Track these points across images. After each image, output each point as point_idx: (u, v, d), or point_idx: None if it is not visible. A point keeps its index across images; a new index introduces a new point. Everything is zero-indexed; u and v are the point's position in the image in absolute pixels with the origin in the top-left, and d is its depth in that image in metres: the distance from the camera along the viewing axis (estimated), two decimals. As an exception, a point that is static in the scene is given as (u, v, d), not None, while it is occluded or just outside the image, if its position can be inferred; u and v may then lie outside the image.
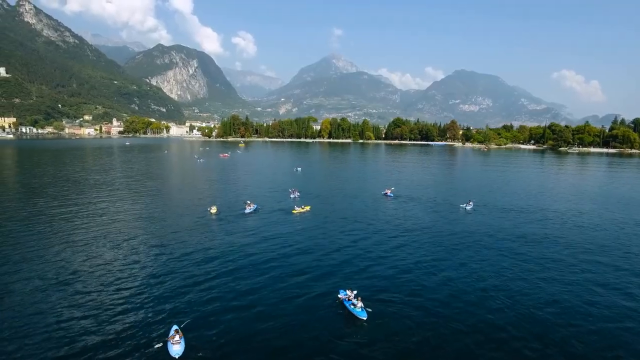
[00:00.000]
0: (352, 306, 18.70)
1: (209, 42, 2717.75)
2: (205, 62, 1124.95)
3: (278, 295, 20.49)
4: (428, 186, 61.22)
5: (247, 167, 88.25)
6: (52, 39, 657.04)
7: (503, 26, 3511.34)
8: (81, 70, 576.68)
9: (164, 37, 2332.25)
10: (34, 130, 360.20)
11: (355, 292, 19.24)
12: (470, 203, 44.42)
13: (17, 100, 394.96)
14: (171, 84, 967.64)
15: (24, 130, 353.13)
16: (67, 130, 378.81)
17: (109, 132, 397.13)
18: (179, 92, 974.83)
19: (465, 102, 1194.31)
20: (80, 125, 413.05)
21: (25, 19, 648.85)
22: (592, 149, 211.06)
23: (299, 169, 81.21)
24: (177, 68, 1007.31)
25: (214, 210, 39.52)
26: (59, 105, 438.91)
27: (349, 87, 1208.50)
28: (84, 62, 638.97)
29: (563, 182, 72.53)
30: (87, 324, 17.10)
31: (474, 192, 54.43)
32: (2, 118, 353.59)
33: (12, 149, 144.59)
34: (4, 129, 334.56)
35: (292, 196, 47.73)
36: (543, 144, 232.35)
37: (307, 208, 39.30)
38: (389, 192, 51.62)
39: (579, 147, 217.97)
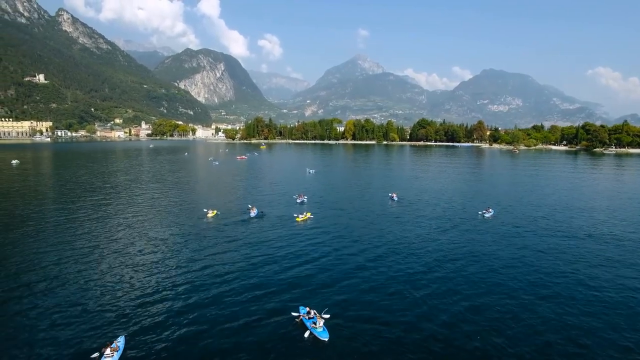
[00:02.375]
0: (312, 326, 16.56)
1: (236, 45, 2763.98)
2: (231, 65, 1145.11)
3: (228, 313, 18.46)
4: (446, 190, 57.35)
5: (261, 170, 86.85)
6: (87, 45, 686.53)
7: (533, 25, 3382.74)
8: (113, 75, 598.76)
9: (193, 42, 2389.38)
10: (69, 133, 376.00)
11: (314, 310, 17.27)
12: (490, 210, 40.67)
13: (53, 105, 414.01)
14: (199, 87, 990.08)
15: (59, 133, 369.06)
16: (98, 133, 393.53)
17: (137, 135, 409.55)
18: (206, 95, 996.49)
19: (494, 102, 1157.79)
20: (111, 129, 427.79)
21: (63, 28, 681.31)
22: (631, 150, 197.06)
23: (312, 171, 79.01)
24: (204, 71, 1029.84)
25: (211, 214, 38.04)
26: (92, 109, 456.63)
27: (375, 88, 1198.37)
28: (116, 67, 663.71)
29: (599, 187, 66.21)
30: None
31: (497, 198, 50.40)
32: (40, 122, 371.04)
33: (49, 152, 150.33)
34: (41, 132, 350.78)
35: (298, 201, 45.66)
36: (576, 144, 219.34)
37: (308, 215, 36.79)
38: (394, 196, 48.97)
39: (616, 147, 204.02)
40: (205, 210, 38.98)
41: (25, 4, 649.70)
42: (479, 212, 40.41)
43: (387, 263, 25.52)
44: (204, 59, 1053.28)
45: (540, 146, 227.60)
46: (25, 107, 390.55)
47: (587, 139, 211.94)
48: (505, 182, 69.22)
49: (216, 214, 38.58)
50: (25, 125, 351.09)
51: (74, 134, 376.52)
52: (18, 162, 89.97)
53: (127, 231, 32.34)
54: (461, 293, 20.99)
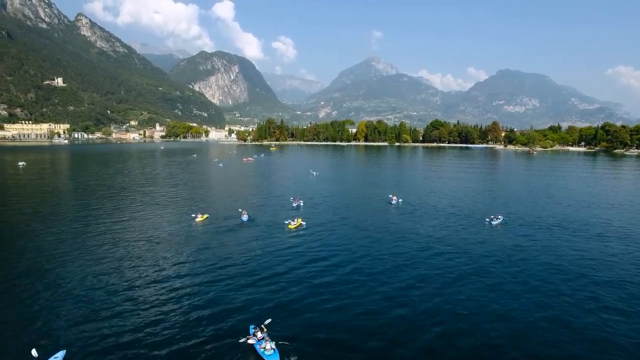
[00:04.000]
0: (261, 349, 14.52)
1: (250, 47, 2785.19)
2: (246, 67, 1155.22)
3: (173, 335, 16.32)
4: (453, 194, 54.22)
5: (264, 172, 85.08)
6: (104, 49, 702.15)
7: (550, 25, 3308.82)
8: (129, 78, 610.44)
9: (207, 44, 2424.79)
10: (85, 135, 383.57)
11: (265, 332, 15.17)
12: (499, 217, 37.63)
13: (71, 107, 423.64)
14: (213, 89, 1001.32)
15: (76, 135, 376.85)
16: (114, 135, 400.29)
17: (152, 137, 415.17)
18: (220, 97, 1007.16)
19: (509, 102, 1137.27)
20: (127, 131, 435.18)
21: (82, 32, 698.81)
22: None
23: (315, 173, 76.87)
24: (218, 74, 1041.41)
25: (200, 218, 36.32)
26: (108, 112, 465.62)
27: (389, 90, 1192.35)
28: (132, 70, 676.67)
29: (621, 190, 62.05)
30: None
31: (508, 203, 47.12)
32: (58, 125, 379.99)
33: (61, 154, 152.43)
34: (59, 134, 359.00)
35: (294, 205, 43.57)
36: (595, 145, 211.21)
37: (299, 221, 34.54)
38: (394, 199, 46.52)
39: (638, 149, 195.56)
40: (193, 215, 37.28)
41: (46, 9, 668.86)
42: (486, 219, 37.48)
43: (367, 278, 22.94)
44: (218, 61, 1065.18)
45: (557, 147, 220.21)
46: (44, 110, 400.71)
47: (607, 140, 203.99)
48: (519, 186, 65.50)
49: (206, 218, 36.91)
50: (44, 127, 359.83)
51: (90, 136, 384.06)
52: (25, 164, 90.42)
53: (102, 236, 30.54)
54: (443, 323, 18.30)
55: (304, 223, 34.61)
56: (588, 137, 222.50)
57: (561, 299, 20.22)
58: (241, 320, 17.54)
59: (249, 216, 36.99)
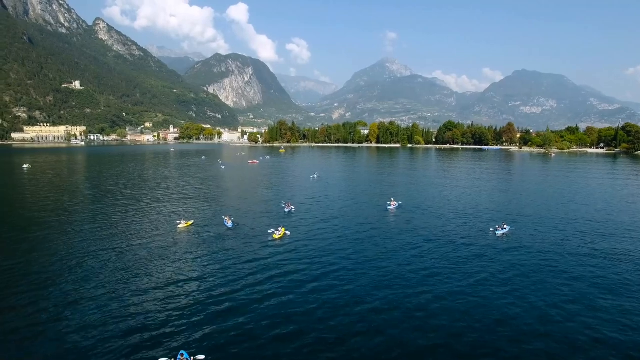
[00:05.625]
0: None
1: (264, 49, 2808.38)
2: (259, 69, 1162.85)
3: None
4: (459, 199, 50.77)
5: (265, 174, 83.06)
6: (121, 52, 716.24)
7: (568, 25, 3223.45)
8: (145, 81, 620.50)
9: (222, 47, 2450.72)
10: (100, 137, 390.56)
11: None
12: (504, 227, 34.49)
13: (87, 110, 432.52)
14: (227, 91, 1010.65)
15: (92, 137, 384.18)
16: (129, 137, 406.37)
17: (165, 138, 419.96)
18: (234, 99, 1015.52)
19: (526, 103, 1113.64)
20: (141, 132, 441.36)
21: (99, 36, 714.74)
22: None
23: (316, 176, 74.41)
24: (233, 76, 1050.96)
25: (184, 225, 34.51)
26: (123, 114, 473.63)
27: (403, 91, 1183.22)
28: (148, 73, 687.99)
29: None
30: None
31: (518, 211, 43.83)
32: (75, 127, 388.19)
33: (76, 155, 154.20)
34: (76, 136, 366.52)
35: (286, 210, 41.41)
36: (615, 147, 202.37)
37: (283, 231, 32.11)
38: (393, 204, 43.89)
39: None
40: (178, 221, 35.41)
41: (66, 15, 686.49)
42: (491, 229, 34.38)
43: (345, 300, 20.45)
44: (232, 63, 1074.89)
45: (574, 149, 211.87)
46: (62, 112, 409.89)
47: (628, 141, 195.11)
48: (532, 191, 61.66)
49: (191, 224, 35.10)
50: (61, 129, 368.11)
51: (105, 138, 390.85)
52: (29, 166, 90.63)
53: (70, 242, 28.82)
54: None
55: (289, 233, 32.26)
56: (608, 139, 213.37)
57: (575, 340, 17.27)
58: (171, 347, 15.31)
59: (233, 223, 35.10)
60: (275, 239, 30.89)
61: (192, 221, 36.14)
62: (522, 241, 31.55)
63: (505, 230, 34.14)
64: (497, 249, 29.65)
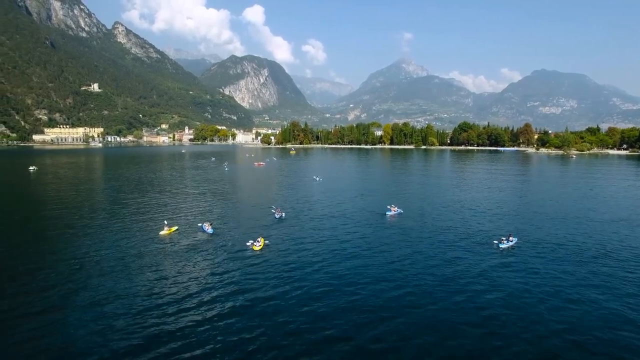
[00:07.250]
0: None
1: (280, 51, 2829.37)
2: (275, 70, 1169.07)
3: None
4: (465, 205, 47.11)
5: (267, 177, 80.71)
6: (139, 55, 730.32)
7: (587, 24, 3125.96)
8: (161, 83, 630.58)
9: (238, 49, 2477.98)
10: (117, 138, 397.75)
11: None
12: (511, 238, 30.92)
13: (105, 111, 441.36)
14: (243, 93, 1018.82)
15: (109, 139, 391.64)
16: (145, 139, 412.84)
17: (181, 140, 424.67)
18: (250, 101, 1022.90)
19: (545, 103, 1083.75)
20: (157, 134, 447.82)
21: (118, 40, 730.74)
22: None
23: (319, 179, 71.56)
24: (248, 77, 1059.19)
25: (166, 231, 32.43)
26: (140, 115, 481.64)
27: (419, 92, 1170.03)
28: (164, 75, 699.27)
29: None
30: None
31: (528, 220, 40.09)
32: (93, 128, 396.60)
33: (90, 156, 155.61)
34: (93, 138, 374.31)
35: (277, 216, 38.85)
36: (639, 148, 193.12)
37: (263, 241, 29.30)
38: (393, 210, 41.12)
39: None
40: (164, 226, 33.21)
41: (86, 19, 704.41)
42: (494, 241, 30.84)
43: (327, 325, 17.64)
44: (248, 65, 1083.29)
45: (595, 150, 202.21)
46: (80, 114, 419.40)
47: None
48: (547, 197, 57.30)
49: (174, 230, 33.10)
50: (80, 131, 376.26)
51: (122, 139, 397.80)
52: (36, 168, 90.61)
53: (45, 247, 26.83)
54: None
55: (268, 242, 29.60)
56: (631, 139, 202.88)
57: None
58: None
59: (213, 229, 32.95)
60: (255, 251, 28.25)
61: (177, 227, 34.12)
62: (527, 258, 27.72)
63: (511, 243, 30.59)
64: (500, 264, 26.21)
